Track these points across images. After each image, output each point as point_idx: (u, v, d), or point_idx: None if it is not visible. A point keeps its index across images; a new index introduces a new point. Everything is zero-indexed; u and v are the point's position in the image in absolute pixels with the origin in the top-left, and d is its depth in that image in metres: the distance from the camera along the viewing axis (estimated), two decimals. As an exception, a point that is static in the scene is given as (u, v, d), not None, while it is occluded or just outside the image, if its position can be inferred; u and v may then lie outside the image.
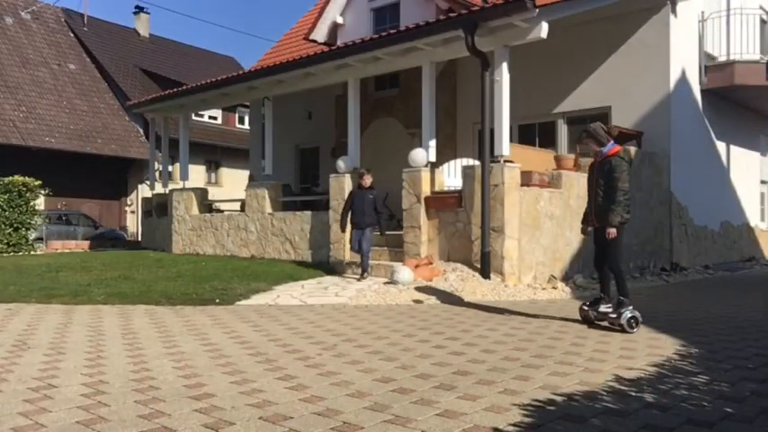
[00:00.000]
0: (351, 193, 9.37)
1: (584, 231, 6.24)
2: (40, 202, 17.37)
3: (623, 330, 5.52)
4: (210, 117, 29.88)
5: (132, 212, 26.03)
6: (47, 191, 17.39)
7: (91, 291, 8.38)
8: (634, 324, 5.56)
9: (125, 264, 11.45)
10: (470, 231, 8.85)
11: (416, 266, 8.71)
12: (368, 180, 9.26)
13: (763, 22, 13.78)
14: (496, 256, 8.50)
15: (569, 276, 9.35)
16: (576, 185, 9.65)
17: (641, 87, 11.15)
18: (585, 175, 9.90)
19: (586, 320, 6.00)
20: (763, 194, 15.63)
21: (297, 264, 11.00)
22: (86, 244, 17.98)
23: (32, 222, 16.35)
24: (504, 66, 8.84)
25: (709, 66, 12.46)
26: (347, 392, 3.68)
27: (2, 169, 17.33)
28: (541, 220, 9.01)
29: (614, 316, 5.67)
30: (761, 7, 13.67)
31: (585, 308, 6.04)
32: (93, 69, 27.35)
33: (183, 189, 14.48)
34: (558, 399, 3.53)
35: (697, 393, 3.61)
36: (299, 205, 12.65)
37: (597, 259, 6.05)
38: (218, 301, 7.72)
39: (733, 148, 13.96)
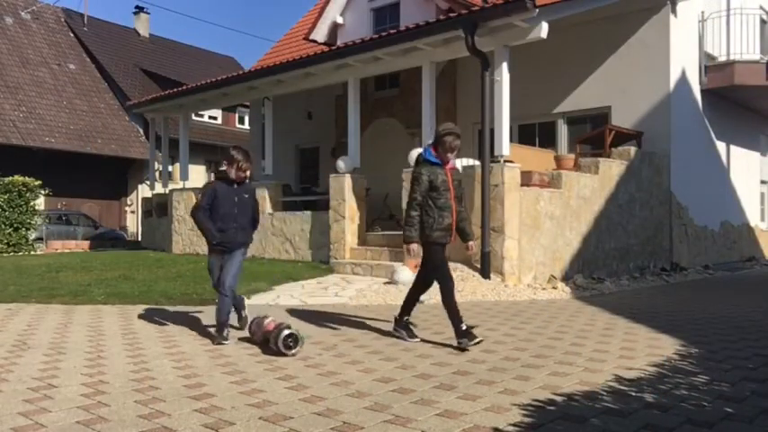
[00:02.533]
0: (212, 191, 5.34)
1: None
2: (40, 202, 17.37)
3: (280, 353, 4.63)
4: (210, 117, 29.88)
5: (132, 212, 26.03)
6: (47, 191, 17.39)
7: (91, 291, 8.37)
8: (292, 344, 4.66)
9: (125, 264, 11.45)
10: (470, 231, 8.84)
11: (416, 266, 8.70)
12: (236, 171, 5.34)
13: (763, 22, 13.79)
14: (496, 256, 8.50)
15: (569, 276, 9.35)
16: (576, 185, 9.66)
17: (641, 87, 11.15)
18: (586, 174, 10.00)
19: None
20: (763, 194, 15.63)
21: (297, 264, 10.99)
22: (86, 244, 17.97)
23: (32, 222, 16.35)
24: (504, 66, 8.84)
25: (709, 66, 12.47)
26: (347, 392, 3.68)
27: (2, 169, 17.32)
28: (541, 220, 9.01)
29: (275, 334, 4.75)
30: (761, 7, 13.67)
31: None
32: (93, 69, 27.35)
33: (183, 189, 14.48)
34: (558, 399, 3.53)
35: (697, 393, 3.61)
36: (300, 205, 12.64)
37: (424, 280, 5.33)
38: (218, 300, 7.71)
39: (733, 148, 13.96)
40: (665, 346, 4.94)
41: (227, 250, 5.34)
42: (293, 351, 4.67)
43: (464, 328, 4.98)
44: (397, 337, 5.33)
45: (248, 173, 5.45)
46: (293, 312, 6.86)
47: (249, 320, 5.44)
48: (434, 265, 5.13)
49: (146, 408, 3.40)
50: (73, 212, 21.57)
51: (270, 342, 4.76)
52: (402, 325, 5.38)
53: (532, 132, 12.38)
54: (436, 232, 5.03)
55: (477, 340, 4.93)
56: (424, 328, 5.87)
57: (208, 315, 6.71)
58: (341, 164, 10.69)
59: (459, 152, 12.81)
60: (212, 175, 6.33)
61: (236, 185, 5.40)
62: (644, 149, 11.03)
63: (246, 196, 5.50)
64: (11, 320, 6.34)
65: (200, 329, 5.83)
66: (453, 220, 5.08)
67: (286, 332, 4.68)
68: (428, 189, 4.99)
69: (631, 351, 4.78)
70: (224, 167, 5.38)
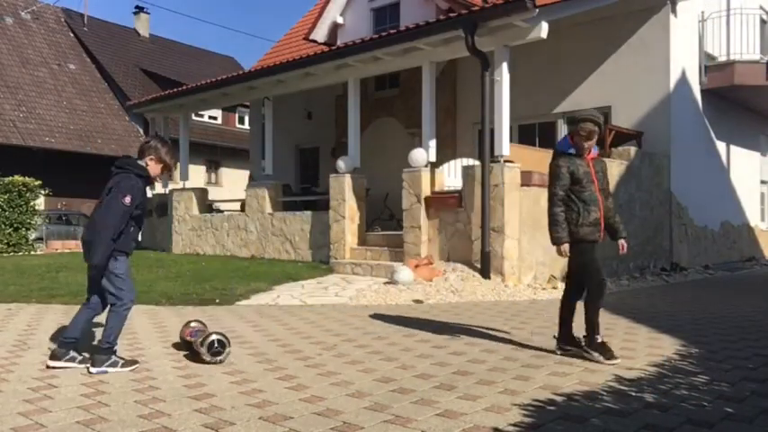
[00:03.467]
0: (140, 189, 4.40)
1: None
2: (40, 202, 17.36)
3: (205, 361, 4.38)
4: (210, 117, 29.87)
5: (132, 212, 26.00)
6: (47, 191, 17.38)
7: (91, 291, 8.36)
8: (220, 349, 4.39)
9: (125, 264, 11.43)
10: (470, 231, 8.85)
11: (416, 266, 8.71)
12: (165, 172, 4.75)
13: (763, 22, 13.78)
14: (496, 256, 8.50)
15: (569, 276, 9.34)
16: (576, 185, 9.64)
17: (641, 87, 11.15)
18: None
19: None
20: (763, 194, 15.63)
21: (297, 264, 10.99)
22: (86, 244, 17.93)
23: (32, 222, 16.34)
24: (504, 66, 8.84)
25: (709, 66, 12.47)
26: (347, 392, 3.68)
27: (2, 169, 17.31)
28: (542, 221, 8.99)
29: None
30: (761, 7, 13.67)
31: None
32: (93, 69, 27.34)
33: (183, 189, 14.49)
34: (558, 399, 3.52)
35: (697, 393, 3.61)
36: (299, 205, 12.65)
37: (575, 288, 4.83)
38: (218, 301, 7.72)
39: (733, 148, 13.96)
40: (665, 346, 4.94)
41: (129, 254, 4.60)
42: (220, 358, 4.40)
43: (599, 340, 4.49)
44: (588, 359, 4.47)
45: (156, 165, 4.49)
46: (293, 312, 6.86)
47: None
48: (582, 263, 4.63)
49: (146, 408, 3.40)
50: (73, 212, 21.55)
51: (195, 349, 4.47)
52: (595, 346, 4.49)
53: (532, 132, 12.38)
54: (583, 228, 4.55)
55: (615, 361, 4.34)
56: (424, 327, 5.87)
57: (208, 315, 6.70)
58: (341, 164, 10.69)
59: (460, 152, 12.74)
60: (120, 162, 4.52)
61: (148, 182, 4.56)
62: (644, 149, 11.03)
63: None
64: (11, 320, 6.34)
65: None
66: (601, 214, 4.61)
67: (213, 337, 4.38)
68: (570, 182, 4.52)
69: (631, 351, 4.77)
70: (147, 162, 4.41)
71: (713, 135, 13.12)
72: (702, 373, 4.10)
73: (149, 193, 16.52)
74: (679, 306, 7.39)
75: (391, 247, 10.07)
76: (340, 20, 14.65)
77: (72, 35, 28.18)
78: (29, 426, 3.12)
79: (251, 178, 16.04)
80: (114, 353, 4.31)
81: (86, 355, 4.46)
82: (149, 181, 4.54)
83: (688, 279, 10.78)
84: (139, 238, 4.68)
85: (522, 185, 8.73)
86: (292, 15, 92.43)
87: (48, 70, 25.52)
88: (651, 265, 11.18)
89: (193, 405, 3.44)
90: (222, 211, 14.69)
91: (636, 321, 6.14)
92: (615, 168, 10.38)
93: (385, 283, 8.62)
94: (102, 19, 31.04)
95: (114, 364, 4.23)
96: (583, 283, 4.68)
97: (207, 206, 14.47)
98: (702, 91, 12.43)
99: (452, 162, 10.60)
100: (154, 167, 4.47)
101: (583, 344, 4.59)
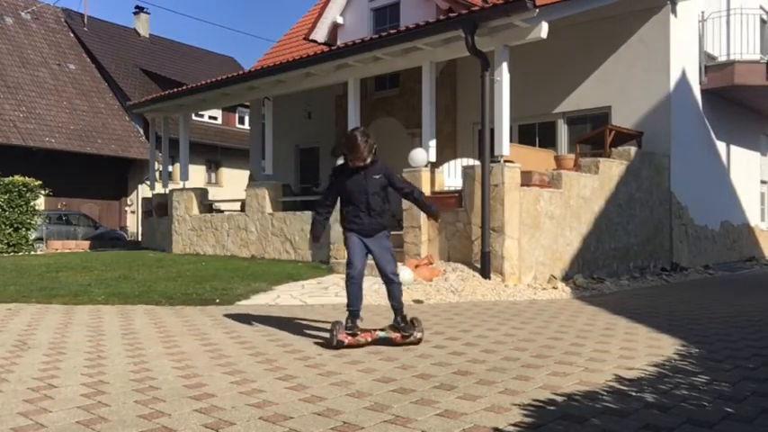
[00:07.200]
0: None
1: None
2: (40, 203, 17.38)
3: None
4: (210, 117, 29.88)
5: (132, 212, 26.03)
6: (47, 191, 17.39)
7: (91, 291, 8.37)
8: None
9: (125, 264, 11.44)
10: (470, 231, 8.85)
11: (416, 266, 8.71)
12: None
13: (763, 22, 13.79)
14: (496, 255, 8.50)
15: (569, 276, 9.35)
16: (576, 185, 9.65)
17: (641, 87, 11.16)
18: (586, 174, 9.99)
19: None
20: (763, 194, 15.63)
21: (297, 264, 10.99)
22: (86, 244, 17.97)
23: (32, 222, 16.36)
24: (504, 66, 8.84)
25: (709, 66, 12.47)
26: (347, 392, 3.68)
27: (2, 169, 17.33)
28: (541, 220, 9.01)
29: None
30: (761, 7, 13.67)
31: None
32: (93, 69, 27.35)
33: (183, 189, 14.48)
34: (559, 399, 3.52)
35: (697, 393, 3.60)
36: (299, 205, 12.64)
37: None
38: (218, 301, 7.72)
39: (733, 148, 13.96)
40: (666, 346, 4.93)
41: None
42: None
43: None
44: None
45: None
46: (293, 312, 6.85)
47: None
48: None
49: (146, 408, 3.40)
50: (73, 212, 21.57)
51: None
52: None
53: (532, 132, 12.38)
54: None
55: None
56: (424, 328, 5.86)
57: (208, 315, 6.71)
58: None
59: (460, 152, 12.71)
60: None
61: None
62: (644, 149, 11.03)
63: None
64: (11, 320, 6.34)
65: (201, 329, 5.83)
66: None
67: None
68: None
69: (631, 351, 4.77)
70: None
71: (713, 135, 13.13)
72: (702, 373, 4.10)
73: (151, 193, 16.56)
74: (679, 306, 7.39)
75: (391, 247, 10.06)
76: (340, 20, 14.65)
77: (72, 35, 28.19)
78: (29, 426, 3.12)
79: (251, 178, 16.04)
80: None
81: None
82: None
83: (688, 279, 10.78)
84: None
85: (522, 185, 8.73)
86: (292, 15, 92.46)
87: (48, 70, 25.53)
88: (651, 264, 11.18)
89: (193, 405, 3.44)
90: (222, 211, 14.69)
91: (636, 321, 6.14)
92: (615, 168, 10.38)
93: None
94: (101, 19, 31.09)
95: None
96: None
97: (207, 206, 14.46)
98: (702, 91, 12.43)
99: (452, 162, 10.60)
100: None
101: None
